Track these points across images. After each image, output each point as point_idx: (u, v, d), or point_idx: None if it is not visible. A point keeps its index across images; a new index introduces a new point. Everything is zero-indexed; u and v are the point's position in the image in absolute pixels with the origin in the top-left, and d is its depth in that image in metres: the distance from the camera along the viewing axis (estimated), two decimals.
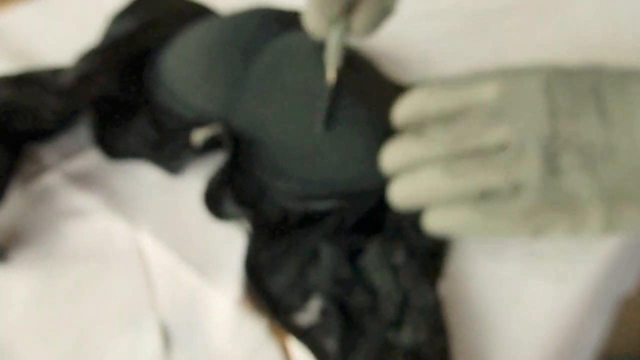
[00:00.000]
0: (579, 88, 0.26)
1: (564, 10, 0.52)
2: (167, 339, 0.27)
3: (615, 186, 0.25)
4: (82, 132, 0.35)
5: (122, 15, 0.41)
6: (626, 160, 0.25)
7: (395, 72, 0.41)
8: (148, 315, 0.28)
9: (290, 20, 0.37)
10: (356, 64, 0.36)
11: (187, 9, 0.43)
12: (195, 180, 0.33)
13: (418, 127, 0.29)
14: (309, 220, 0.31)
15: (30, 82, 0.35)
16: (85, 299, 0.28)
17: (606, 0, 0.53)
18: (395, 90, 0.38)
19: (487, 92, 0.27)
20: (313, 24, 0.31)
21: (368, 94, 0.35)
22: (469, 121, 0.27)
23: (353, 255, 0.29)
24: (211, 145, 0.33)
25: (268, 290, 0.28)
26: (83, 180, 0.34)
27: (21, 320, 0.28)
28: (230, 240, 0.30)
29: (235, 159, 0.32)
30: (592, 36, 0.49)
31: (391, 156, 0.29)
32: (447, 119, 0.28)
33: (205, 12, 0.43)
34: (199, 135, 0.33)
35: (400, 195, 0.28)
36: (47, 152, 0.35)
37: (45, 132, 0.35)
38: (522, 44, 0.48)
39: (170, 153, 0.34)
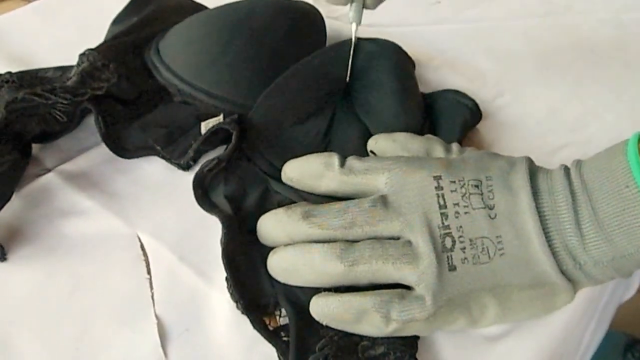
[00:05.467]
0: (467, 184, 0.27)
1: (571, 17, 0.52)
2: (165, 336, 0.27)
3: (505, 277, 0.26)
4: (83, 133, 0.35)
5: (123, 16, 0.42)
6: (511, 251, 0.26)
7: None
8: (147, 314, 0.28)
9: (297, 7, 0.38)
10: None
11: (186, 6, 0.43)
12: None
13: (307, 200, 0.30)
14: None
15: (38, 83, 0.35)
16: (84, 297, 0.29)
17: (615, 4, 0.53)
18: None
19: (380, 183, 0.28)
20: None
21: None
22: (361, 208, 0.27)
23: None
24: (220, 138, 0.33)
25: (247, 288, 0.28)
26: (83, 180, 0.34)
27: (20, 317, 0.28)
28: None
29: (238, 148, 0.33)
30: (600, 41, 0.49)
31: (275, 230, 0.28)
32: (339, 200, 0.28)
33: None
34: (207, 126, 0.33)
35: (281, 267, 0.28)
36: (47, 154, 0.35)
37: (54, 133, 0.35)
38: (525, 49, 0.48)
39: (180, 150, 0.34)
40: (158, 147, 0.34)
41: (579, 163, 0.27)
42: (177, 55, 0.38)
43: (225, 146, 0.34)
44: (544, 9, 0.52)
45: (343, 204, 0.28)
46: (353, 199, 0.28)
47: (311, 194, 0.31)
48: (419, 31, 0.44)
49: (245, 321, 0.27)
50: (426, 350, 0.27)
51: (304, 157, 0.31)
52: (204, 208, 0.31)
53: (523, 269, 0.26)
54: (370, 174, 0.28)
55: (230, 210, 0.30)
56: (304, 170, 0.30)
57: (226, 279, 0.28)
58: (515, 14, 0.52)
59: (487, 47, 0.47)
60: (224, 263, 0.28)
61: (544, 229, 0.26)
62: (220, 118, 0.34)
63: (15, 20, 0.47)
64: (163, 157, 0.34)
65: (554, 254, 0.26)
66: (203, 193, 0.31)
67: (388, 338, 0.26)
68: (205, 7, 0.44)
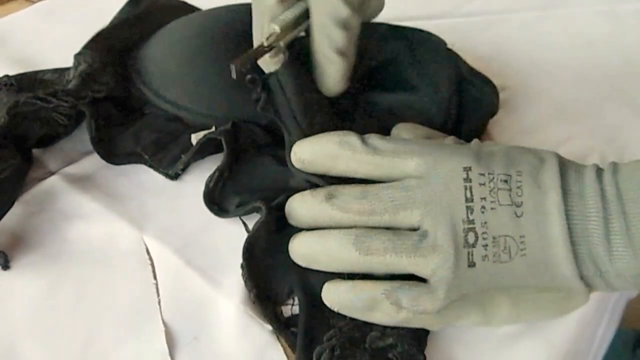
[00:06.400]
0: (496, 178, 0.26)
1: (568, 9, 0.52)
2: (173, 344, 0.27)
3: (522, 278, 0.25)
4: (86, 136, 0.35)
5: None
6: (533, 252, 0.25)
7: None
8: (153, 319, 0.28)
9: None
10: None
11: (178, 7, 0.43)
12: (200, 183, 0.33)
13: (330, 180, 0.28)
14: None
15: (37, 86, 0.35)
16: (90, 303, 0.28)
17: None
18: None
19: (409, 167, 0.27)
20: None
21: None
22: (385, 194, 0.26)
23: None
24: (211, 147, 0.33)
25: (262, 278, 0.28)
26: (87, 184, 0.34)
27: (26, 324, 0.27)
28: (235, 244, 0.30)
29: (234, 157, 0.33)
30: (595, 34, 0.49)
31: (300, 211, 0.28)
32: (361, 181, 0.28)
33: (192, 11, 0.44)
34: (195, 138, 0.33)
35: (300, 252, 0.28)
36: (50, 157, 0.35)
37: (53, 137, 0.35)
38: (524, 43, 0.48)
39: (168, 158, 0.34)
40: (146, 156, 0.34)
41: (615, 169, 0.26)
42: (148, 66, 0.37)
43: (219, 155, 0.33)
44: (542, 2, 0.52)
45: (364, 187, 0.27)
46: (372, 180, 0.28)
47: (324, 176, 0.29)
48: (418, 25, 0.44)
49: (253, 327, 0.27)
50: (436, 347, 0.27)
51: (316, 136, 0.29)
52: (227, 217, 0.32)
53: (542, 271, 0.25)
54: (399, 157, 0.27)
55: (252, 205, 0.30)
56: (317, 150, 0.28)
57: (241, 266, 0.28)
58: (513, 7, 0.52)
59: (487, 41, 0.47)
60: (243, 250, 0.28)
61: (570, 234, 0.25)
62: (212, 130, 0.34)
63: (18, 22, 0.47)
64: (151, 166, 0.34)
65: (577, 259, 0.25)
66: (219, 209, 0.32)
67: (398, 330, 0.26)
68: (197, 9, 0.44)
